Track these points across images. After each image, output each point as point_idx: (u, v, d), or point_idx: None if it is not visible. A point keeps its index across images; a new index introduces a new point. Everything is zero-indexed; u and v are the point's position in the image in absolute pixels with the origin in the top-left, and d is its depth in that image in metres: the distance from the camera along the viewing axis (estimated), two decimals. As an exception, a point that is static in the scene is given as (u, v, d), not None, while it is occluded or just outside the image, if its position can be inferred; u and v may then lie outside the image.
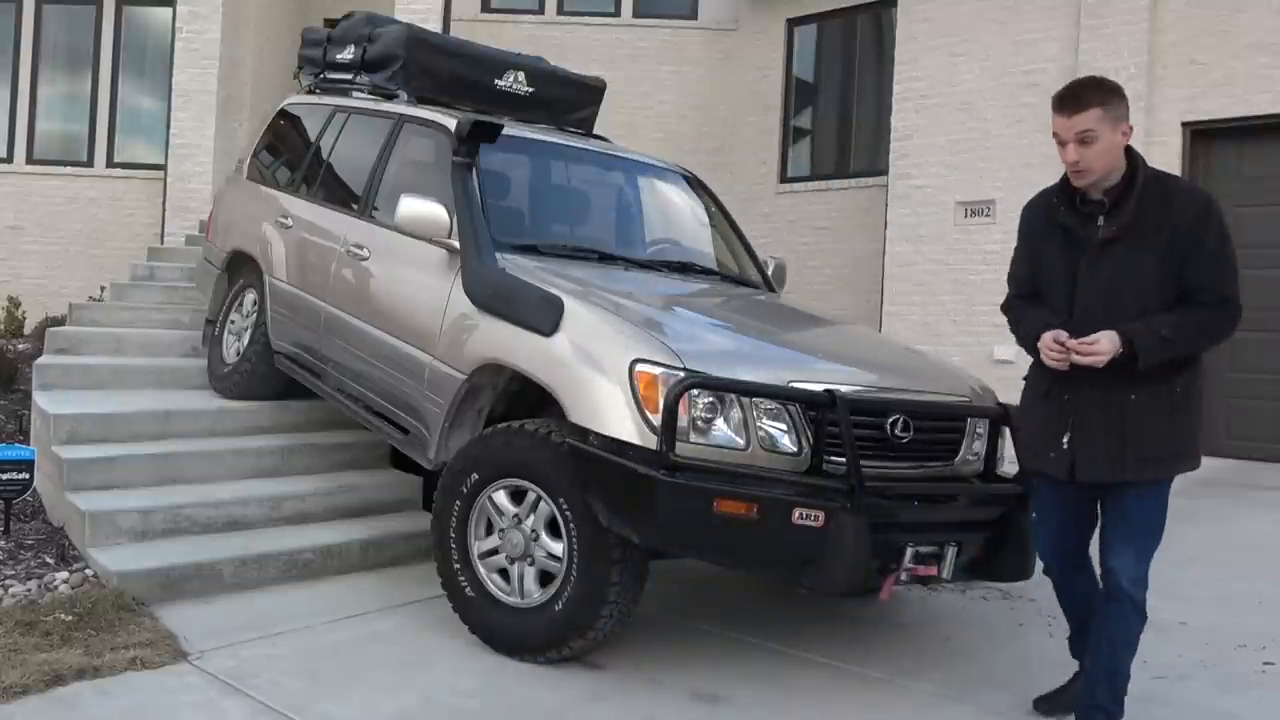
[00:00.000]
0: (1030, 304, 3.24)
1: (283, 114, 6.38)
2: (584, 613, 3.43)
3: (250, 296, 5.84)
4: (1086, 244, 3.05)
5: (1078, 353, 2.92)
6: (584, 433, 3.37)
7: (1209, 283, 2.95)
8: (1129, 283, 2.97)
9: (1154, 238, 2.95)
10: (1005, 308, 3.38)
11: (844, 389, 3.41)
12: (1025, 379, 3.28)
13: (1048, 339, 2.99)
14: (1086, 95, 3.07)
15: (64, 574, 4.02)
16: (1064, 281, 3.09)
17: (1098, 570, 3.15)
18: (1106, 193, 3.05)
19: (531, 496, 3.58)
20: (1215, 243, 2.95)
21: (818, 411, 3.33)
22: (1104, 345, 2.88)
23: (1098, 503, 3.14)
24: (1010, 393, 3.60)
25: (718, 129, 11.61)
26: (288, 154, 6.18)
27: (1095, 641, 3.10)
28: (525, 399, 3.92)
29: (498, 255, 4.11)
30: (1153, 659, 3.90)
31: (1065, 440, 3.06)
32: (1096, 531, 3.17)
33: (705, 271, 5.05)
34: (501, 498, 3.66)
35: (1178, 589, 4.84)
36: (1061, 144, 3.11)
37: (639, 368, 3.31)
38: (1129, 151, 3.06)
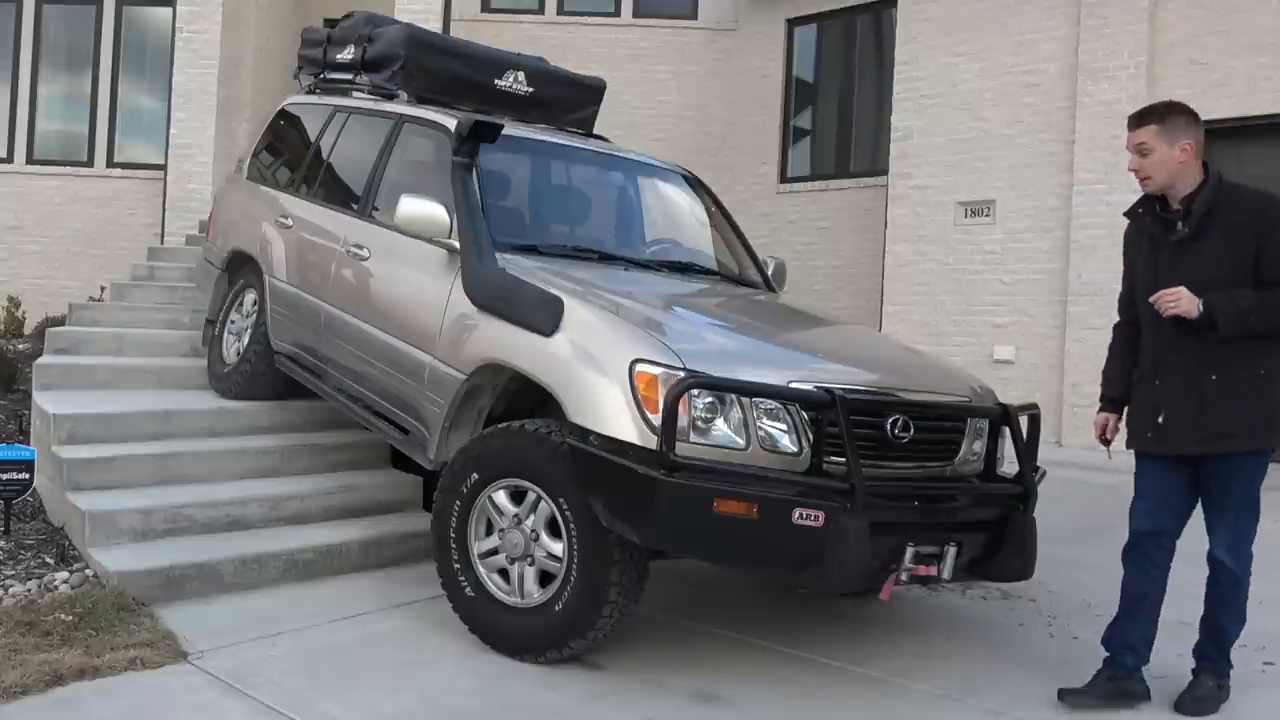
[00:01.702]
0: (1121, 347, 3.74)
1: (283, 114, 6.38)
2: (584, 613, 3.43)
3: (250, 296, 5.84)
4: (1166, 246, 3.46)
5: (1162, 303, 3.32)
6: (584, 433, 3.37)
7: None
8: (1205, 278, 3.31)
9: (1226, 235, 3.33)
10: (1114, 329, 3.83)
11: (844, 389, 3.41)
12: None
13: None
14: (1146, 114, 3.51)
15: (64, 574, 4.02)
16: (1149, 283, 3.46)
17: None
18: (1183, 201, 3.44)
19: (531, 496, 3.58)
20: (1257, 223, 3.32)
21: (818, 411, 3.33)
22: (1186, 298, 3.27)
23: (1197, 487, 3.50)
24: (1010, 393, 3.64)
25: (718, 129, 11.61)
26: (288, 154, 6.18)
27: (1206, 606, 3.64)
28: (525, 399, 3.92)
29: (498, 255, 4.11)
30: (1153, 659, 3.90)
31: (1160, 419, 3.47)
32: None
33: (705, 271, 5.05)
34: (501, 498, 3.66)
35: (1178, 589, 4.83)
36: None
37: (639, 368, 3.31)
38: (1206, 166, 3.46)
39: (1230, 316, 3.25)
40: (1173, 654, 3.98)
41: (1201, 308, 3.26)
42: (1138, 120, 3.51)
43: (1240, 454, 3.38)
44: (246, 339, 5.72)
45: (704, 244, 5.34)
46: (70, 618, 3.60)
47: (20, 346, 7.24)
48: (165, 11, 10.11)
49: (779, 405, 3.34)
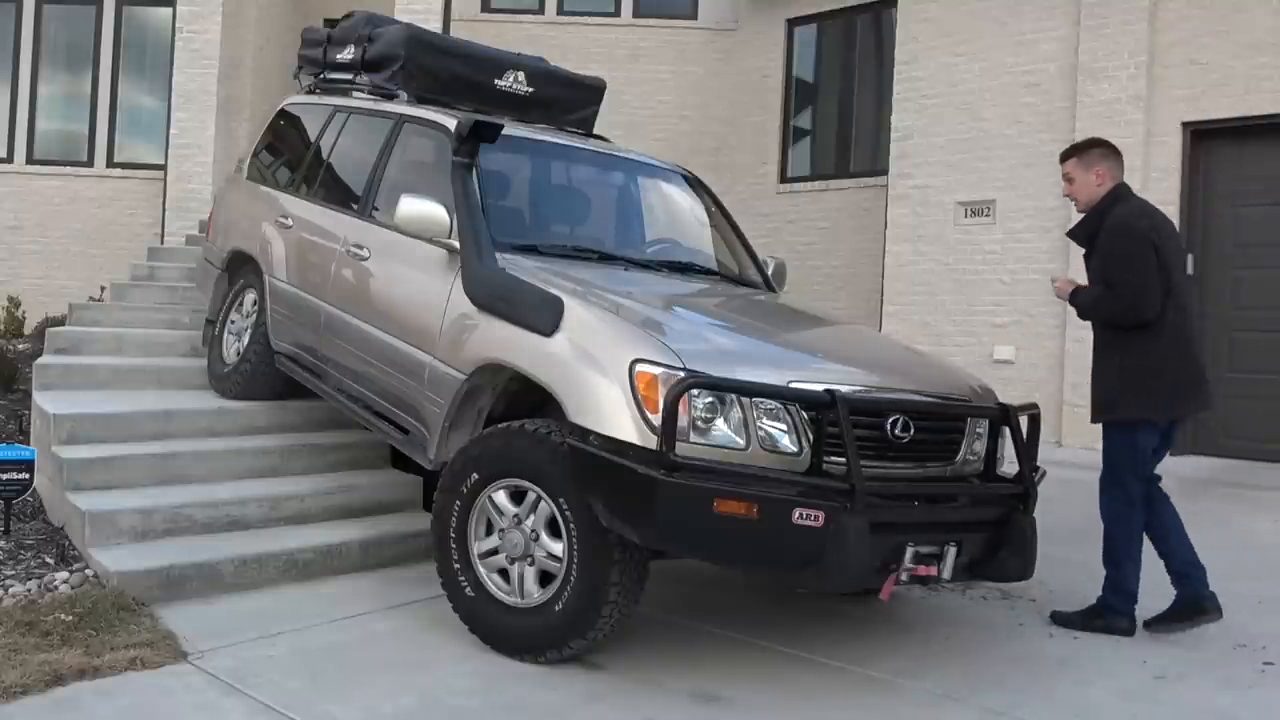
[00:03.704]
0: None
1: (283, 114, 6.38)
2: (584, 613, 3.43)
3: (250, 296, 5.84)
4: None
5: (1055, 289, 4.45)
6: (584, 433, 3.37)
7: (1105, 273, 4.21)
8: (1096, 278, 4.27)
9: (1099, 246, 4.24)
10: None
11: (844, 389, 3.41)
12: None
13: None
14: (1070, 150, 4.44)
15: (64, 574, 4.02)
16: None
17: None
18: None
19: (531, 496, 3.58)
20: (1107, 243, 4.18)
21: (818, 411, 3.33)
22: (1060, 285, 4.39)
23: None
24: (1010, 393, 3.68)
25: (718, 129, 11.61)
26: (288, 154, 6.18)
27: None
28: (525, 399, 3.92)
29: (498, 255, 4.11)
30: (1153, 659, 3.91)
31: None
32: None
33: (705, 271, 5.05)
34: (501, 498, 3.66)
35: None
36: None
37: (639, 368, 3.31)
38: (1117, 189, 4.29)
39: (1080, 307, 4.30)
40: (1173, 654, 3.98)
41: (1071, 292, 4.29)
42: (1063, 156, 4.44)
43: (1105, 423, 4.26)
44: (246, 339, 5.72)
45: (704, 244, 5.34)
46: (70, 618, 3.60)
47: (20, 346, 7.24)
48: (165, 11, 10.10)
49: (779, 405, 3.34)
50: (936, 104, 9.33)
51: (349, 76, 5.96)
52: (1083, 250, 4.34)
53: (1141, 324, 4.08)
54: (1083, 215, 4.33)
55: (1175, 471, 7.41)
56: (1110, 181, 4.27)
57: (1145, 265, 4.06)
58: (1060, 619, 4.28)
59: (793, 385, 3.39)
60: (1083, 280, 4.36)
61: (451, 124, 4.59)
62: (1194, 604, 4.11)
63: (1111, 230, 4.15)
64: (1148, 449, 4.19)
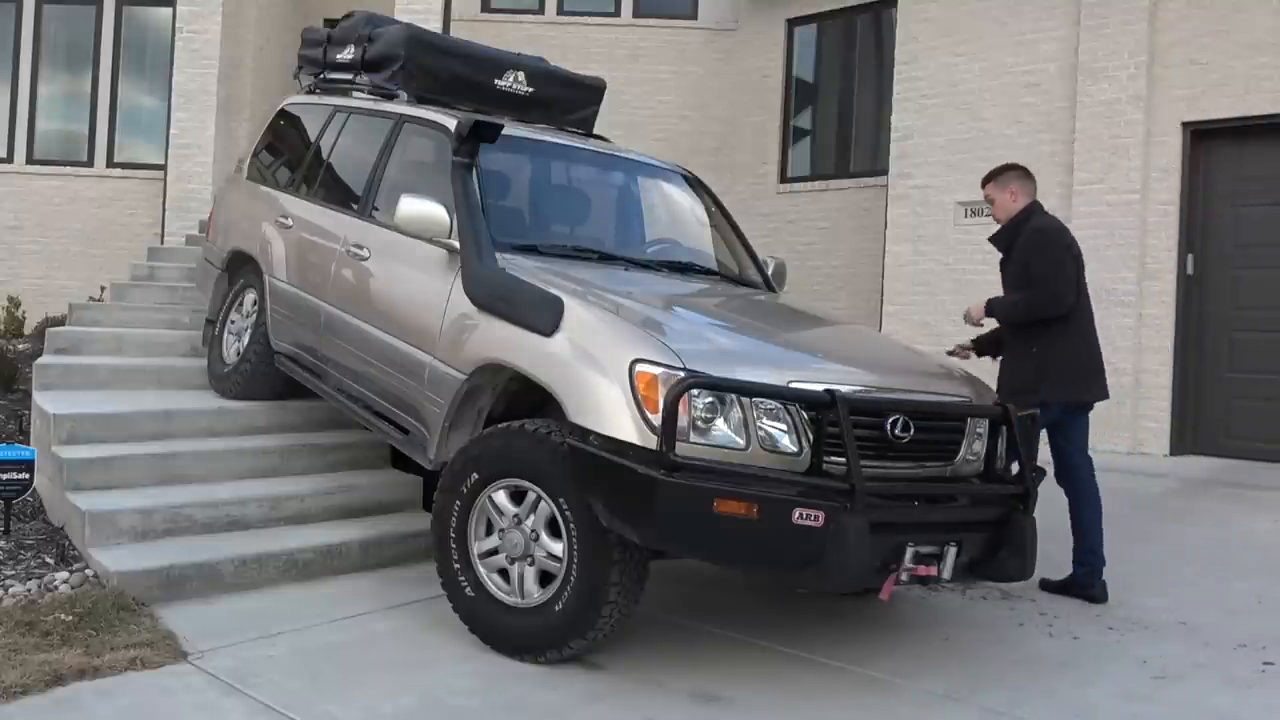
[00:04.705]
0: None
1: (283, 114, 6.38)
2: (584, 613, 3.43)
3: (250, 296, 5.84)
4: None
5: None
6: (584, 433, 3.37)
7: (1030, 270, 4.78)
8: (1011, 284, 4.93)
9: (1017, 256, 4.88)
10: None
11: (844, 389, 3.40)
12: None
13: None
14: (988, 176, 5.09)
15: (64, 574, 4.02)
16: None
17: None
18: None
19: (531, 496, 3.58)
20: (1031, 246, 4.79)
21: (818, 411, 3.33)
22: (970, 312, 5.07)
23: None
24: (1010, 393, 3.67)
25: (718, 129, 11.61)
26: (288, 154, 6.18)
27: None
28: (525, 399, 3.92)
29: (498, 255, 4.11)
30: (1153, 659, 3.91)
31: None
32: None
33: (705, 271, 5.05)
34: (501, 498, 3.66)
35: (1177, 588, 4.84)
36: None
37: (639, 368, 3.31)
38: (1030, 206, 4.96)
39: (1003, 311, 4.89)
40: (1173, 654, 3.98)
41: (985, 309, 4.94)
42: (983, 182, 5.11)
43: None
44: (246, 339, 5.72)
45: (704, 244, 5.34)
46: (70, 618, 3.60)
47: (20, 346, 7.24)
48: (165, 11, 10.11)
49: (779, 405, 3.34)
50: (936, 104, 9.34)
51: (349, 76, 5.96)
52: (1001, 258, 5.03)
53: (1060, 316, 4.66)
54: (1000, 227, 5.02)
55: (1175, 472, 7.44)
56: (1025, 198, 4.95)
57: (1064, 263, 4.72)
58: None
59: (793, 385, 3.39)
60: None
61: (451, 124, 4.59)
62: (1078, 587, 4.64)
63: (1034, 234, 4.82)
64: (1044, 426, 4.60)
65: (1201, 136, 8.14)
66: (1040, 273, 4.71)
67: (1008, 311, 4.86)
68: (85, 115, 10.72)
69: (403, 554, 4.71)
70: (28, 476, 4.48)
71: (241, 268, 6.01)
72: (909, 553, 3.40)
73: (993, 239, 5.06)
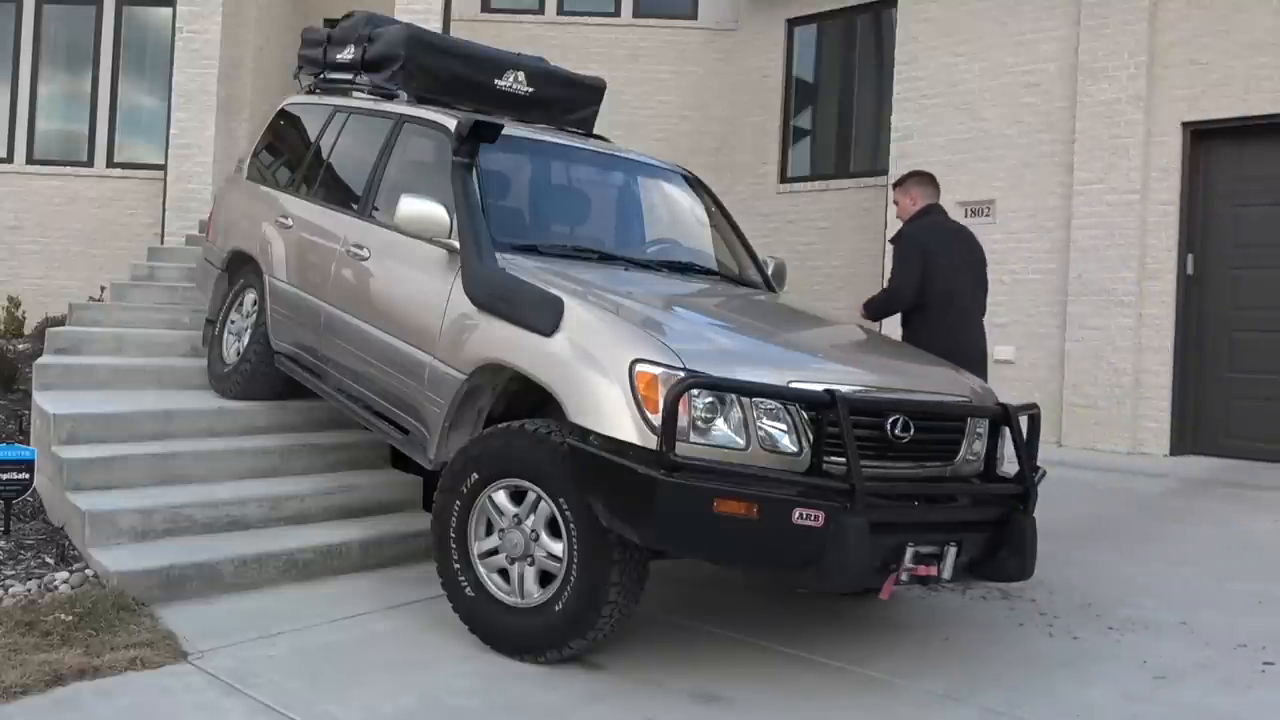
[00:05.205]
0: None
1: (283, 114, 6.38)
2: (584, 613, 3.43)
3: (250, 296, 5.84)
4: None
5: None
6: (584, 433, 3.37)
7: None
8: None
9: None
10: None
11: (844, 389, 3.40)
12: None
13: None
14: (895, 183, 5.57)
15: (64, 574, 4.02)
16: None
17: None
18: None
19: (531, 496, 3.58)
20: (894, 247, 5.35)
21: (818, 411, 3.33)
22: (858, 307, 5.58)
23: None
24: (1010, 393, 3.68)
25: (718, 129, 11.61)
26: (288, 154, 6.18)
27: None
28: (525, 399, 3.92)
29: (498, 255, 4.11)
30: (1153, 659, 3.91)
31: None
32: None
33: (705, 271, 5.05)
34: (501, 498, 3.66)
35: (1177, 589, 4.84)
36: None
37: (639, 368, 3.31)
38: (928, 208, 5.39)
39: (869, 308, 5.44)
40: (1173, 654, 3.98)
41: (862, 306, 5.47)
42: (893, 186, 5.56)
43: None
44: (246, 339, 5.72)
45: (704, 244, 5.34)
46: (70, 618, 3.60)
47: (20, 346, 7.24)
48: (165, 11, 10.11)
49: (779, 405, 3.34)
50: (936, 104, 9.34)
51: (349, 76, 5.96)
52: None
53: (917, 308, 5.16)
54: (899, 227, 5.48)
55: (1175, 472, 7.45)
56: (922, 201, 5.36)
57: (907, 266, 5.15)
58: None
59: (793, 385, 3.39)
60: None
61: (451, 124, 4.59)
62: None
63: (897, 235, 5.35)
64: None
65: (1201, 136, 8.15)
66: (892, 272, 5.28)
67: (871, 308, 5.47)
68: (85, 115, 10.72)
69: (403, 554, 4.71)
70: (28, 476, 4.48)
71: (241, 268, 6.01)
72: (909, 553, 3.40)
73: (892, 239, 5.53)
